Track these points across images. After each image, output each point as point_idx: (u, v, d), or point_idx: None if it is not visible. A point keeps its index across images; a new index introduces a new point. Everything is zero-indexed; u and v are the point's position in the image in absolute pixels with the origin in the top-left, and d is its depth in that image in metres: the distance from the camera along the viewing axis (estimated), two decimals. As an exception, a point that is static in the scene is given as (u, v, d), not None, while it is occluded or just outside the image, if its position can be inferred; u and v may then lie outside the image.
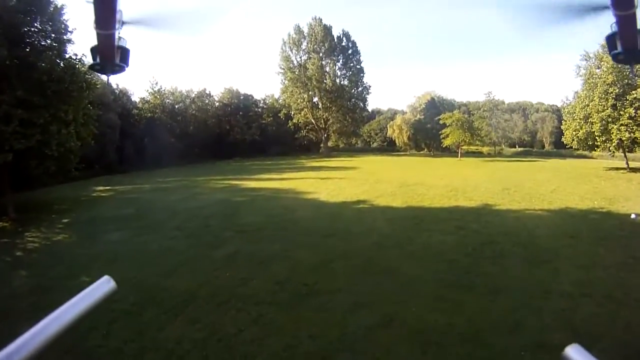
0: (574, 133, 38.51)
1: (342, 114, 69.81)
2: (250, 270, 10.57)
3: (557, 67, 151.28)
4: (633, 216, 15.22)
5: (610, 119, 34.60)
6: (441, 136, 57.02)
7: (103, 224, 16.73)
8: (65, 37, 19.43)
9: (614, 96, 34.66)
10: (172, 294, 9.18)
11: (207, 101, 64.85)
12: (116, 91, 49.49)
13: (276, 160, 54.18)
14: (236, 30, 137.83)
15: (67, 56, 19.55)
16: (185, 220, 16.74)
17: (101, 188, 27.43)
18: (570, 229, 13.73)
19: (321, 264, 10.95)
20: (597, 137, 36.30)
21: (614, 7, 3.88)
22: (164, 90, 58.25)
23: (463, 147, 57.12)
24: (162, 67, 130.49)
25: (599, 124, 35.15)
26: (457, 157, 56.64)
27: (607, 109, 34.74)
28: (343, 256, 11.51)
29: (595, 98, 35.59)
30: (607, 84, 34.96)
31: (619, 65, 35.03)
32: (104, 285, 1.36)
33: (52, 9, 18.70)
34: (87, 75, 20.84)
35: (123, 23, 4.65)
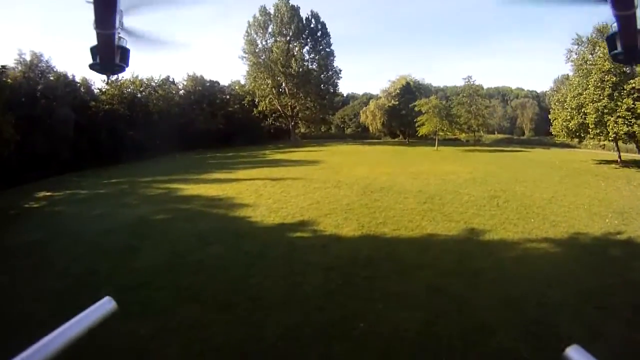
0: (563, 123, 34.33)
1: (309, 100, 64.40)
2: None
3: (538, 53, 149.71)
4: None
5: (606, 110, 30.52)
6: (416, 124, 52.25)
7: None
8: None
9: (610, 85, 30.56)
10: None
11: (170, 90, 60.10)
12: (74, 82, 44.81)
13: (239, 152, 50.00)
14: (203, 14, 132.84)
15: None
16: (77, 257, 11.47)
17: (42, 194, 23.72)
18: (594, 286, 8.86)
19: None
20: (590, 129, 32.28)
21: (614, 7, 3.72)
22: (122, 79, 52.69)
23: (440, 134, 52.35)
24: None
25: (594, 115, 31.07)
26: (434, 146, 51.86)
27: (604, 98, 30.71)
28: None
29: (590, 86, 31.44)
30: (603, 72, 30.85)
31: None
32: (104, 305, 1.39)
33: None
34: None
35: (123, 24, 4.56)
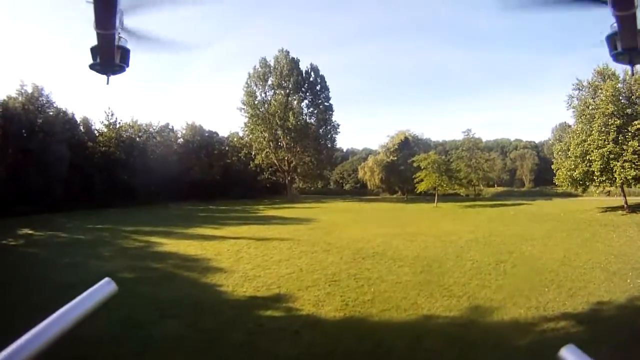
0: (567, 173, 32.84)
1: (307, 155, 63.33)
2: None
3: (536, 103, 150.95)
4: None
5: (612, 155, 29.12)
6: (415, 180, 50.71)
7: None
8: None
9: (615, 129, 29.28)
10: None
11: (169, 137, 60.69)
12: (73, 120, 45.97)
13: (233, 205, 49.31)
14: (207, 62, 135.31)
15: None
16: (25, 313, 9.38)
17: (23, 232, 24.59)
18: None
19: None
20: (595, 177, 30.77)
21: (614, 7, 3.79)
22: (121, 122, 53.85)
23: (439, 189, 50.63)
24: (128, 100, 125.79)
25: (599, 162, 29.67)
26: (433, 202, 50.03)
27: (609, 143, 29.41)
28: None
29: (594, 132, 30.17)
30: (607, 115, 29.64)
31: (618, 94, 30.25)
32: (104, 287, 1.40)
33: None
34: None
35: (123, 24, 4.54)
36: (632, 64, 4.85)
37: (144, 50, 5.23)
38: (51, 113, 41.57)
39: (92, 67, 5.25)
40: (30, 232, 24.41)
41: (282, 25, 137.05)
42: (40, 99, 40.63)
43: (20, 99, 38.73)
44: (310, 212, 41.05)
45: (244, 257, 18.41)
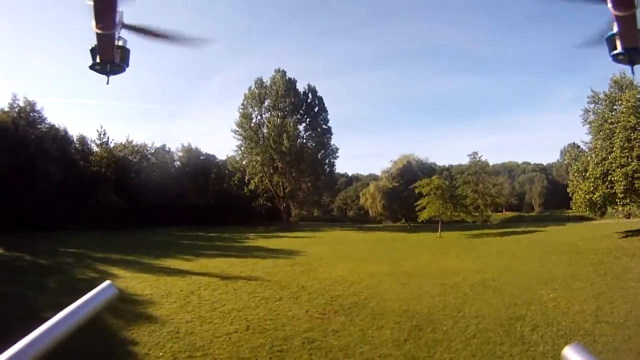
0: (585, 196, 28.98)
1: (303, 181, 59.75)
2: None
3: (543, 125, 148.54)
4: None
5: (637, 175, 25.40)
6: (417, 208, 46.75)
7: None
8: None
9: (639, 144, 25.52)
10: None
11: (164, 159, 59.04)
12: (66, 137, 45.17)
13: (223, 232, 46.79)
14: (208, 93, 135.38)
15: None
16: None
17: None
18: None
19: None
20: (618, 199, 26.93)
21: (614, 7, 3.71)
22: (114, 142, 53.00)
23: (443, 217, 46.56)
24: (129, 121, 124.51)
25: (623, 182, 25.76)
26: (437, 230, 45.90)
27: (633, 161, 25.67)
28: None
29: (615, 149, 26.38)
30: (628, 129, 25.99)
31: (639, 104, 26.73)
32: (105, 291, 1.38)
33: None
34: None
35: (124, 25, 4.54)
36: (632, 64, 4.55)
37: (147, 42, 4.96)
38: (43, 129, 40.82)
39: (92, 67, 5.01)
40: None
41: (285, 54, 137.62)
42: (32, 114, 39.98)
43: (11, 112, 38.20)
44: (300, 243, 37.49)
45: (192, 302, 15.28)
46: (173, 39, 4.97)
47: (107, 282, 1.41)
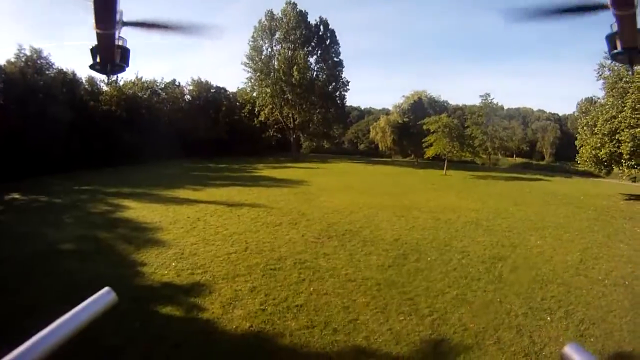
0: (592, 152, 28.70)
1: (312, 113, 59.27)
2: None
3: (562, 74, 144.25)
4: None
5: (646, 138, 25.04)
6: (424, 145, 46.72)
7: None
8: None
9: (651, 107, 25.01)
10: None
11: (174, 93, 57.78)
12: (75, 80, 43.72)
13: (233, 163, 47.48)
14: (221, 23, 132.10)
15: None
16: None
17: (9, 197, 23.38)
18: None
19: None
20: (624, 159, 26.70)
21: (614, 7, 3.78)
22: (124, 80, 51.37)
23: (451, 156, 46.52)
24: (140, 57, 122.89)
25: (630, 143, 25.48)
26: (443, 169, 46.11)
27: (644, 123, 25.12)
28: None
29: (626, 108, 25.84)
30: (643, 91, 25.30)
31: None
32: (104, 297, 1.38)
33: None
34: None
35: (124, 23, 4.52)
36: (632, 64, 4.62)
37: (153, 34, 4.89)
38: (51, 74, 40.03)
39: (92, 67, 5.05)
40: (16, 196, 23.62)
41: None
42: (39, 61, 39.21)
43: (18, 62, 37.34)
44: (307, 174, 37.99)
45: (198, 227, 16.00)
46: (176, 29, 4.94)
47: (106, 288, 1.40)
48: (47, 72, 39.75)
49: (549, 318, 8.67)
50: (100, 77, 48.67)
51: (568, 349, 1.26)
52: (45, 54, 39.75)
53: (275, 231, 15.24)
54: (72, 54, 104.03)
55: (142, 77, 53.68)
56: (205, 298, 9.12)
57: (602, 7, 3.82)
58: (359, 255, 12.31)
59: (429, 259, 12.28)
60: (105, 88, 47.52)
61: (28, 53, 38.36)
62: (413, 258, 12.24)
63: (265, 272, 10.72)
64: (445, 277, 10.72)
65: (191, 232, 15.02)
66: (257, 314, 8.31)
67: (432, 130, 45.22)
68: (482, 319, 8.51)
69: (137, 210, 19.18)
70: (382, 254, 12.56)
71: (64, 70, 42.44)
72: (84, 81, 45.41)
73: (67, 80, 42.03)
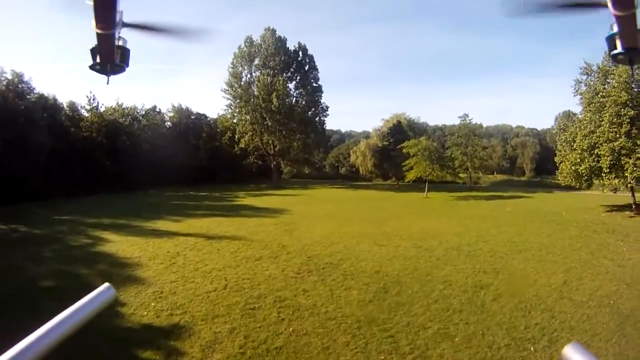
0: (572, 167, 29.06)
1: (292, 139, 59.43)
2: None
3: (539, 89, 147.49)
4: None
5: (624, 151, 25.39)
6: (404, 168, 46.90)
7: None
8: None
9: (628, 120, 25.46)
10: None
11: (155, 120, 58.25)
12: (56, 106, 44.35)
13: (214, 191, 47.21)
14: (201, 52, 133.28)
15: None
16: None
17: None
18: None
19: None
20: (603, 173, 27.03)
21: (614, 7, 3.57)
22: (104, 106, 51.91)
23: (430, 178, 46.61)
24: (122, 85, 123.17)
25: (609, 157, 25.85)
26: (424, 191, 46.19)
27: (620, 137, 25.56)
28: None
29: (604, 123, 26.26)
30: (619, 105, 25.75)
31: (632, 81, 26.30)
32: (103, 293, 1.38)
33: None
34: None
35: (124, 24, 4.38)
36: (631, 64, 4.38)
37: (150, 38, 4.82)
38: (32, 99, 39.94)
39: (92, 67, 4.80)
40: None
41: (275, 10, 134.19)
42: (21, 85, 39.14)
43: None
44: (288, 202, 37.73)
45: (177, 262, 15.64)
46: (176, 33, 4.80)
47: (106, 284, 1.40)
48: (27, 96, 39.48)
49: (532, 348, 8.39)
50: (81, 103, 48.94)
51: (569, 349, 1.23)
52: (26, 78, 39.65)
53: (255, 266, 14.84)
54: (51, 76, 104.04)
55: (122, 104, 53.82)
56: (184, 341, 8.78)
57: (601, 5, 3.70)
58: (339, 291, 11.95)
59: (410, 291, 11.95)
60: (86, 114, 47.79)
61: (9, 77, 38.12)
62: (394, 291, 11.92)
63: (244, 312, 10.32)
64: (426, 311, 10.41)
65: (170, 269, 14.65)
66: (237, 357, 8.00)
67: (411, 154, 45.41)
68: (465, 353, 8.21)
69: (117, 244, 18.93)
70: (362, 288, 12.22)
71: (45, 95, 42.48)
72: (65, 106, 45.47)
73: (48, 105, 41.92)
